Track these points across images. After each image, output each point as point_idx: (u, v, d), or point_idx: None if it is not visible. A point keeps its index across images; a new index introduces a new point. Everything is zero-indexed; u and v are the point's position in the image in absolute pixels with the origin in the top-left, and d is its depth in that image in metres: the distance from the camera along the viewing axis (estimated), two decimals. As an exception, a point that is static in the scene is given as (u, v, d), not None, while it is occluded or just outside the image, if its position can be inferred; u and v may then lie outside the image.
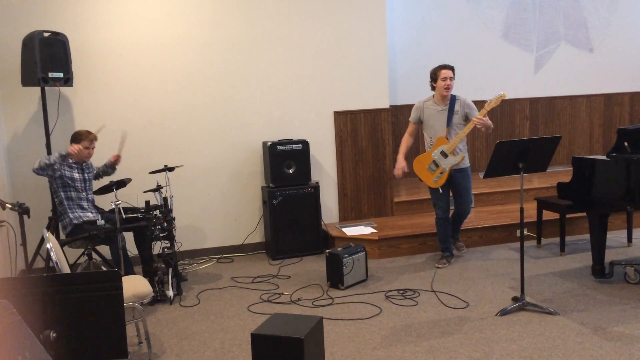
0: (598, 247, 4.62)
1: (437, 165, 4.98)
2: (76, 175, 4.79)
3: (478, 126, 4.82)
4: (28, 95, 5.33)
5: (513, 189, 6.60)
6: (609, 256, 4.91)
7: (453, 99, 5.01)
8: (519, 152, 4.00)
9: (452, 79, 4.97)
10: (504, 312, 4.07)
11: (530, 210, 5.79)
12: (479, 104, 7.75)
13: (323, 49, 6.04)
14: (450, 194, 5.19)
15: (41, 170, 4.58)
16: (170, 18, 5.65)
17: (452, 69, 5.01)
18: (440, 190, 5.05)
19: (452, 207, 5.26)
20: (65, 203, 4.71)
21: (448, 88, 4.95)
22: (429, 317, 4.11)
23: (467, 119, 5.01)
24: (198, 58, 5.75)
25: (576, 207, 4.99)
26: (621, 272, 4.66)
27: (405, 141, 5.25)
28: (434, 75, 5.02)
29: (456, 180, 5.06)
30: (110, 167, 5.08)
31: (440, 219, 5.17)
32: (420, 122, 5.17)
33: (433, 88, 5.08)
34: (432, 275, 4.98)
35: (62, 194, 4.70)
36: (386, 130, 6.28)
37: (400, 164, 5.14)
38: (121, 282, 2.29)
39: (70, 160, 4.75)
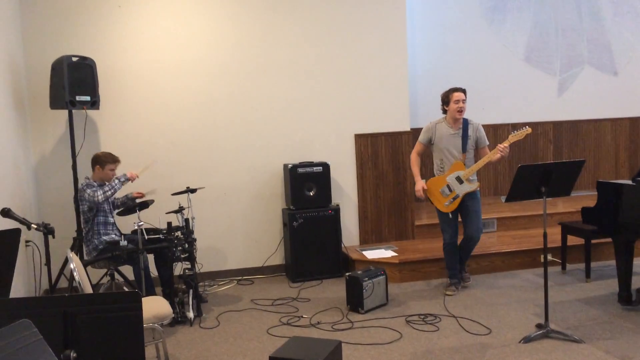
0: (624, 273, 4.51)
1: (450, 190, 4.92)
2: None
3: (499, 154, 4.74)
4: (56, 118, 5.45)
5: (537, 214, 6.52)
6: (636, 283, 4.80)
7: (465, 122, 4.95)
8: (542, 176, 3.95)
9: (464, 101, 4.89)
10: (527, 340, 3.99)
11: (555, 235, 5.70)
12: (501, 128, 7.66)
13: (344, 72, 6.09)
14: (459, 218, 5.09)
15: (107, 198, 4.76)
16: (193, 42, 5.76)
17: (464, 91, 4.94)
18: (450, 215, 4.98)
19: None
20: (95, 228, 4.79)
21: (461, 111, 4.88)
22: (450, 343, 4.05)
23: (477, 144, 4.98)
24: (220, 81, 5.84)
25: (601, 232, 4.90)
26: (649, 299, 4.55)
27: (417, 161, 5.14)
28: (446, 98, 4.96)
29: (466, 203, 4.96)
30: (132, 200, 5.11)
31: (448, 244, 5.07)
32: (430, 144, 5.07)
33: (444, 111, 5.02)
34: (449, 300, 4.92)
35: (95, 218, 4.79)
36: (407, 154, 6.25)
37: (420, 183, 5.02)
38: (141, 302, 2.30)
39: (96, 183, 4.83)
